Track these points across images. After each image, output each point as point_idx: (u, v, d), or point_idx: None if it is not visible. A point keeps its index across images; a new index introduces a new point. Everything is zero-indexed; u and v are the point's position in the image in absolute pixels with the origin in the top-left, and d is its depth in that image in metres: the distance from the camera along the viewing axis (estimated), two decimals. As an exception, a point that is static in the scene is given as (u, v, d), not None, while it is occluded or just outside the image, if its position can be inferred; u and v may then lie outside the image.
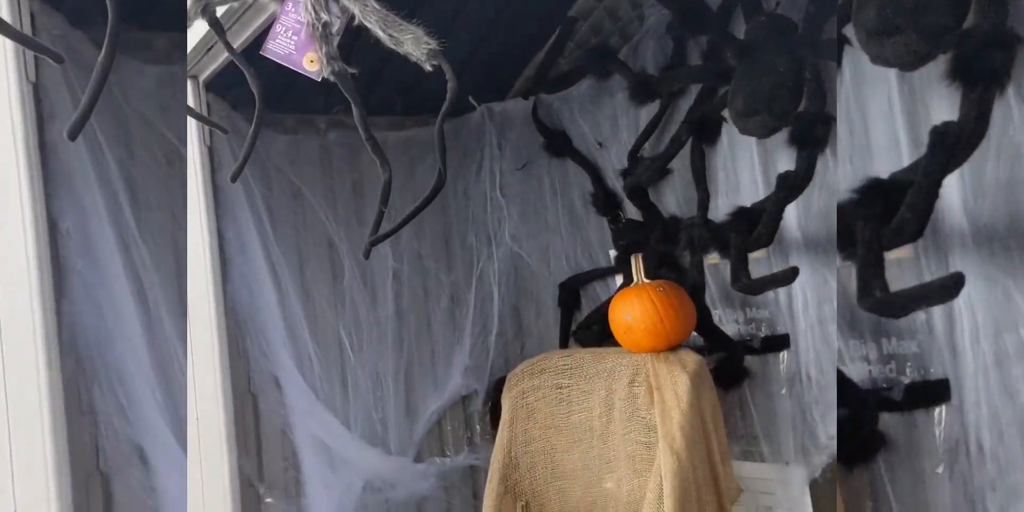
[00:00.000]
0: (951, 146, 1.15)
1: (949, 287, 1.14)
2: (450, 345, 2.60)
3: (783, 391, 2.10)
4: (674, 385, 1.83)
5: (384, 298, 2.45)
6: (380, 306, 2.44)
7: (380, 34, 1.23)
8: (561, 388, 2.04)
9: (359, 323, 2.39)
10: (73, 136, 1.13)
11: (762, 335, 2.13)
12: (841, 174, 1.54)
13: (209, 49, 1.84)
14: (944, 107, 1.33)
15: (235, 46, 1.57)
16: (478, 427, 2.68)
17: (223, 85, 2.14)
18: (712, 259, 2.05)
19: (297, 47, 1.32)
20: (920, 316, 1.47)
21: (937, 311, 1.42)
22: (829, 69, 1.70)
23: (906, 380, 1.51)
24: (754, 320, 2.16)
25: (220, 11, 1.46)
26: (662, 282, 2.00)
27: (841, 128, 1.54)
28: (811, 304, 1.96)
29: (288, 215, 2.32)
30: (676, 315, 1.91)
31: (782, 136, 1.85)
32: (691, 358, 1.90)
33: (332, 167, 2.46)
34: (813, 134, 1.64)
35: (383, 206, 1.39)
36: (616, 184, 2.47)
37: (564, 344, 2.60)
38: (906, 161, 1.42)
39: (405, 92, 2.57)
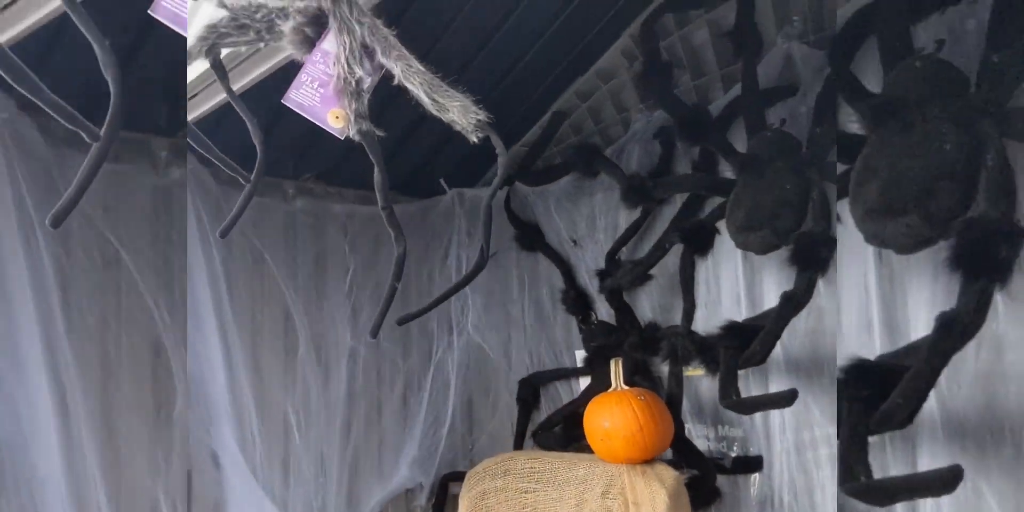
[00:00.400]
0: (959, 335, 1.12)
1: (789, 398, 1.28)
2: (399, 434, 2.47)
3: (753, 515, 2.04)
4: (652, 501, 1.75)
5: (337, 378, 2.32)
6: (332, 386, 2.30)
7: (423, 98, 1.17)
8: (527, 493, 1.94)
9: (308, 403, 2.25)
10: (56, 224, 1.06)
11: (733, 455, 2.08)
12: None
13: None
14: (924, 295, 1.47)
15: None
16: (427, 521, 2.53)
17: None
18: (693, 371, 2.01)
19: (323, 100, 1.24)
20: (745, 412, 1.82)
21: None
22: (832, 192, 1.72)
23: (733, 454, 2.03)
24: (725, 438, 2.12)
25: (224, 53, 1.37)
26: (642, 390, 1.95)
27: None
28: (788, 427, 1.94)
29: (247, 281, 2.19)
30: (656, 427, 1.85)
31: (776, 254, 1.87)
32: (668, 473, 1.83)
33: (296, 236, 2.36)
34: (816, 255, 1.63)
35: (396, 282, 1.31)
36: (589, 284, 2.44)
37: (519, 443, 2.50)
38: (878, 344, 1.51)
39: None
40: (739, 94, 1.95)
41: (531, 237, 2.56)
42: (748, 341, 1.72)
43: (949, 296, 1.31)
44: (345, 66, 1.19)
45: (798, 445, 1.92)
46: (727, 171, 2.04)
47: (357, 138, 1.24)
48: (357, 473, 2.35)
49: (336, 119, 1.23)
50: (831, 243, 1.65)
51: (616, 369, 1.98)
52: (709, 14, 2.16)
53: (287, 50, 1.27)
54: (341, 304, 2.34)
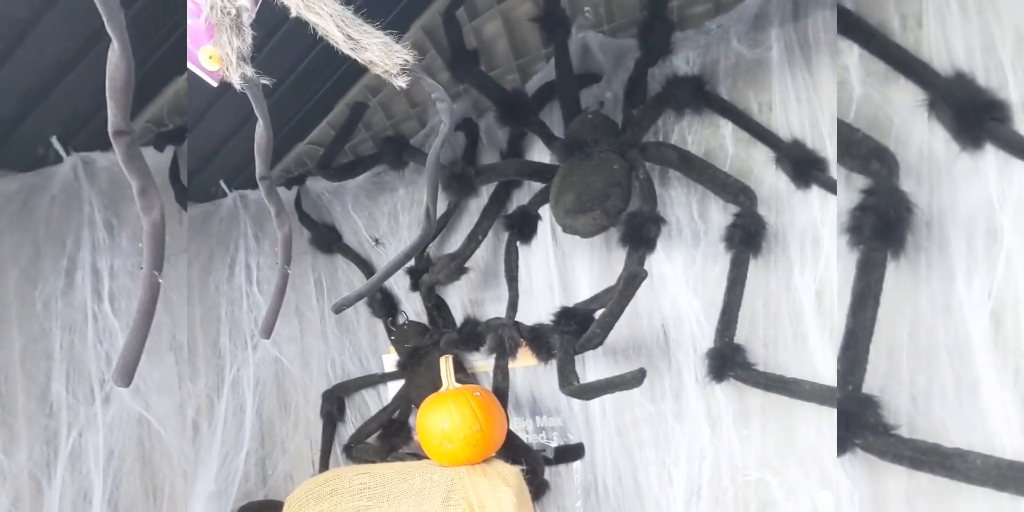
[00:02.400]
0: (634, 285, 1.58)
1: (638, 378, 1.48)
2: (193, 467, 2.18)
3: (578, 504, 2.01)
4: (499, 501, 1.66)
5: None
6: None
7: (335, 34, 0.92)
8: (358, 512, 1.77)
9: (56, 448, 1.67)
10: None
11: (553, 444, 2.05)
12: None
13: None
14: (584, 266, 1.95)
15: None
16: (219, 565, 2.24)
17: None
18: (523, 362, 1.95)
19: (193, 35, 0.99)
20: (563, 400, 2.00)
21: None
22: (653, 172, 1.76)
23: (553, 444, 2.04)
24: (544, 429, 2.08)
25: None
26: (475, 386, 1.86)
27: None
28: (608, 411, 1.93)
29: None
30: (494, 423, 1.76)
31: (583, 242, 1.88)
32: (509, 470, 1.75)
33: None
34: (647, 234, 1.64)
35: (287, 266, 1.11)
36: (395, 284, 2.32)
37: (325, 460, 2.31)
38: (557, 300, 1.96)
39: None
40: (551, 80, 1.94)
41: (328, 238, 2.39)
42: (583, 325, 1.69)
43: (600, 265, 1.91)
44: None
45: (619, 428, 1.92)
46: (536, 158, 2.03)
47: (240, 85, 1.02)
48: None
49: (210, 60, 1.00)
50: (659, 222, 1.67)
51: (447, 367, 1.88)
52: (500, 4, 2.13)
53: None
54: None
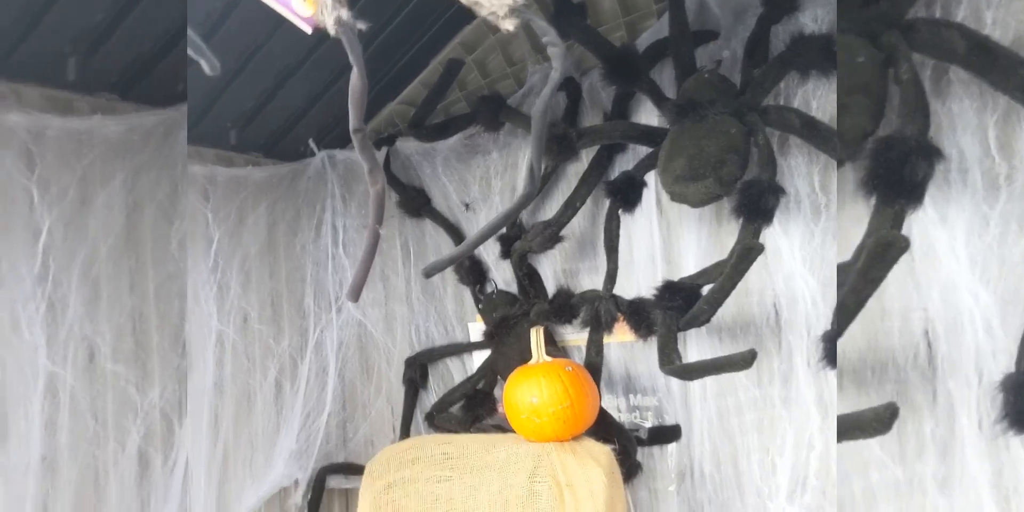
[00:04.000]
0: (751, 261, 1.41)
1: (748, 359, 1.33)
2: (274, 426, 2.16)
3: (671, 488, 1.91)
4: (588, 482, 1.58)
5: (203, 366, 1.96)
6: (196, 377, 1.95)
7: None
8: (440, 482, 1.71)
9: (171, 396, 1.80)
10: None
11: (648, 425, 1.95)
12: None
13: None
14: (692, 238, 1.83)
15: None
16: (298, 524, 2.24)
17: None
18: (620, 337, 1.85)
19: None
20: (660, 379, 1.90)
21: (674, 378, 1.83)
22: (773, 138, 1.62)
23: (647, 424, 1.93)
24: (638, 408, 1.98)
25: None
26: (567, 361, 1.78)
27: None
28: (710, 393, 1.82)
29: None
30: (585, 400, 1.68)
31: (693, 212, 1.76)
32: (601, 449, 1.66)
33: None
34: (765, 205, 1.51)
35: (378, 225, 1.03)
36: (483, 251, 2.23)
37: (406, 428, 2.26)
38: (660, 273, 1.86)
39: (242, 125, 2.20)
40: (663, 36, 1.80)
41: (416, 202, 2.32)
42: (688, 301, 1.58)
43: (708, 238, 1.78)
44: None
45: (720, 411, 1.81)
46: (643, 121, 1.91)
47: (334, 30, 0.94)
48: (227, 475, 2.01)
49: (305, 3, 0.93)
50: (779, 192, 1.54)
51: (538, 339, 1.80)
52: (610, -44, 2.00)
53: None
54: (205, 281, 1.98)
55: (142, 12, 1.63)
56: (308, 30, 0.96)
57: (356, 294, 1.05)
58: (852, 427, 1.09)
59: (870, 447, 1.34)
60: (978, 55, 1.13)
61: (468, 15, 2.17)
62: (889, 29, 1.23)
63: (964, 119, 1.26)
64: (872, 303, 1.10)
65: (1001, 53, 1.11)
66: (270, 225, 2.27)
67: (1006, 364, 1.16)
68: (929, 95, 1.19)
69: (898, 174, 1.13)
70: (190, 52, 1.07)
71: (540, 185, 1.20)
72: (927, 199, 1.14)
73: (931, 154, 1.13)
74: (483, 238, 1.13)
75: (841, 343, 1.21)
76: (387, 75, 2.34)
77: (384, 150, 2.41)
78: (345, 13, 0.94)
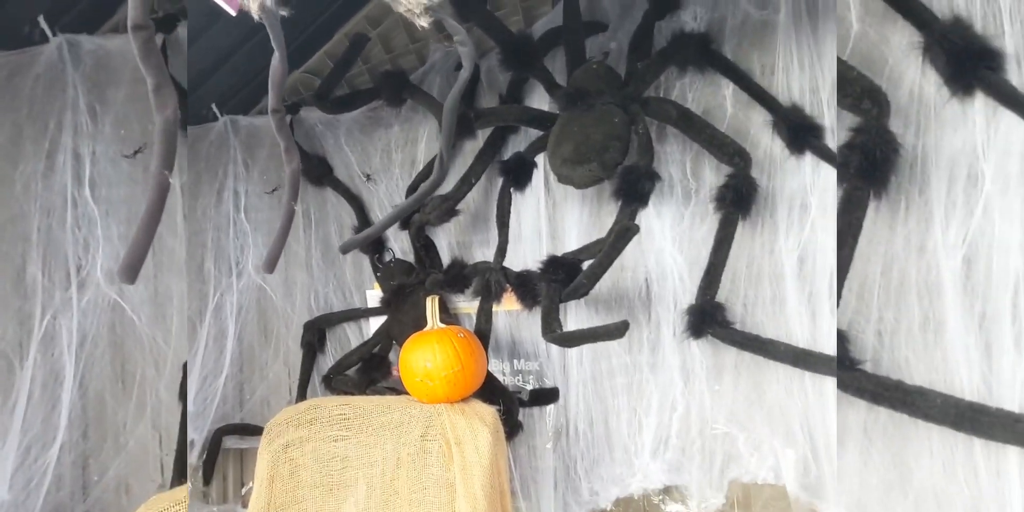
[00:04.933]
0: (624, 239, 1.60)
1: (621, 329, 1.52)
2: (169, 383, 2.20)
3: (548, 445, 2.08)
4: (475, 440, 1.71)
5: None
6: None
7: None
8: (337, 441, 1.82)
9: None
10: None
11: (529, 388, 2.10)
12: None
13: None
14: (574, 217, 1.99)
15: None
16: (189, 485, 2.30)
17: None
18: (507, 306, 1.99)
19: None
20: (541, 345, 2.07)
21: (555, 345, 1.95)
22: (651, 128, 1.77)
23: (529, 387, 2.08)
24: (521, 372, 2.13)
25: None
26: (459, 327, 1.89)
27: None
28: (586, 358, 1.99)
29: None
30: (475, 364, 1.80)
31: (576, 192, 1.90)
32: (487, 410, 1.80)
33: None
34: (641, 188, 1.66)
35: (293, 202, 1.11)
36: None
37: (303, 389, 2.36)
38: (545, 248, 2.01)
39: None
40: (556, 26, 1.92)
41: (318, 170, 2.39)
42: (570, 275, 1.72)
43: (590, 217, 1.95)
44: None
45: (595, 375, 1.97)
46: (535, 105, 2.03)
47: (257, 15, 1.00)
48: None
49: None
50: (654, 177, 1.69)
51: (433, 306, 1.91)
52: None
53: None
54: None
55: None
56: (233, 12, 1.02)
57: (272, 265, 1.13)
58: (602, 334, 1.58)
59: (612, 343, 1.88)
60: (683, 119, 1.72)
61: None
62: (633, 102, 1.74)
63: (673, 156, 1.82)
64: (616, 262, 1.61)
65: (696, 118, 1.72)
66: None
67: (690, 299, 1.73)
68: (654, 141, 1.74)
69: (634, 188, 1.66)
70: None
71: (447, 171, 1.31)
72: (651, 203, 1.70)
73: (653, 177, 1.68)
74: (395, 219, 1.23)
75: (598, 286, 1.65)
76: (292, 44, 2.38)
77: (288, 118, 2.46)
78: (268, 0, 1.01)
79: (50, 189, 1.69)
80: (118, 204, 1.78)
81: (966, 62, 1.24)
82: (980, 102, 1.25)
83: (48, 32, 1.70)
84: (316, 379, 2.36)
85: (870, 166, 1.30)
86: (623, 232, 1.58)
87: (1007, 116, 1.23)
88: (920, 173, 1.32)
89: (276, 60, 1.05)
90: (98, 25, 1.79)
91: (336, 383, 2.20)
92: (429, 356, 1.78)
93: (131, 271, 0.83)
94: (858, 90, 1.33)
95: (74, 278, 1.70)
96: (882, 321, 1.32)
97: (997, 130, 1.25)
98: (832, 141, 1.59)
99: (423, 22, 0.99)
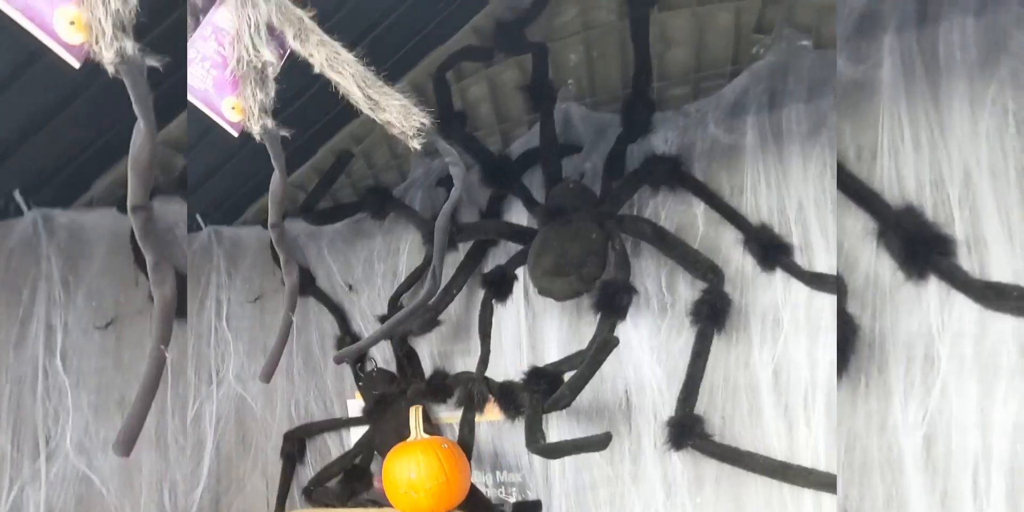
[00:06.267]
0: (605, 350, 1.66)
1: (605, 441, 1.56)
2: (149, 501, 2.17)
3: (532, 560, 2.06)
4: (459, 555, 1.71)
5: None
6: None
7: (355, 93, 0.99)
8: (318, 558, 1.80)
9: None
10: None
11: (512, 501, 2.10)
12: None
13: None
14: (553, 328, 2.04)
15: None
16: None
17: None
18: (488, 417, 2.01)
19: (216, 85, 1.02)
20: (524, 457, 2.06)
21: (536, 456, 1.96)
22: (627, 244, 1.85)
23: (512, 500, 2.07)
24: (504, 484, 2.13)
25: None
26: (443, 438, 1.91)
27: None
28: (568, 469, 2.00)
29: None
30: (459, 475, 1.82)
31: (555, 305, 1.97)
32: (471, 524, 1.80)
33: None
34: (619, 302, 1.73)
35: (291, 313, 1.15)
36: (364, 330, 2.37)
37: (282, 502, 2.33)
38: (526, 359, 2.04)
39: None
40: (533, 146, 2.03)
41: (302, 280, 2.42)
42: (552, 386, 1.76)
43: (568, 328, 2.00)
44: (249, 46, 0.99)
45: (577, 487, 1.98)
46: (513, 219, 2.11)
47: (259, 137, 1.06)
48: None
49: (233, 110, 1.04)
50: (631, 291, 1.76)
51: (416, 417, 1.93)
52: (487, 69, 2.22)
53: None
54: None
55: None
56: (235, 134, 1.08)
57: (269, 375, 1.15)
58: (586, 445, 1.61)
59: (594, 454, 1.87)
60: (657, 237, 1.79)
61: (357, 109, 2.38)
62: (609, 219, 1.83)
63: (648, 271, 1.88)
64: (597, 375, 1.66)
65: (669, 235, 1.80)
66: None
67: (670, 411, 1.76)
68: (630, 256, 1.81)
69: (612, 301, 1.73)
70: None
71: (439, 286, 1.37)
72: (628, 316, 1.76)
73: (630, 291, 1.75)
74: (390, 330, 1.27)
75: (578, 397, 1.68)
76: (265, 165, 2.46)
77: (277, 230, 2.52)
78: (270, 122, 1.07)
79: (21, 359, 1.69)
80: (89, 375, 1.79)
81: (919, 248, 1.35)
82: (934, 286, 1.36)
83: (23, 206, 1.74)
84: (296, 491, 2.33)
85: (714, 313, 1.68)
86: (604, 345, 1.64)
87: (960, 299, 1.34)
88: (879, 353, 1.41)
89: (276, 178, 1.12)
90: (72, 199, 1.85)
91: (317, 495, 2.18)
92: (413, 467, 1.79)
93: (126, 446, 0.82)
94: (705, 267, 1.72)
95: (43, 449, 1.69)
96: (848, 499, 1.39)
97: (951, 313, 1.35)
98: (801, 259, 1.68)
99: (415, 144, 1.06)
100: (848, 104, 1.53)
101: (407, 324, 2.05)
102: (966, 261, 1.31)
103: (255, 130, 1.09)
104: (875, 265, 1.40)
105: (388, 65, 2.15)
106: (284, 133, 1.11)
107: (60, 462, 1.70)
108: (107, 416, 1.77)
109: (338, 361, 1.20)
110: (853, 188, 1.48)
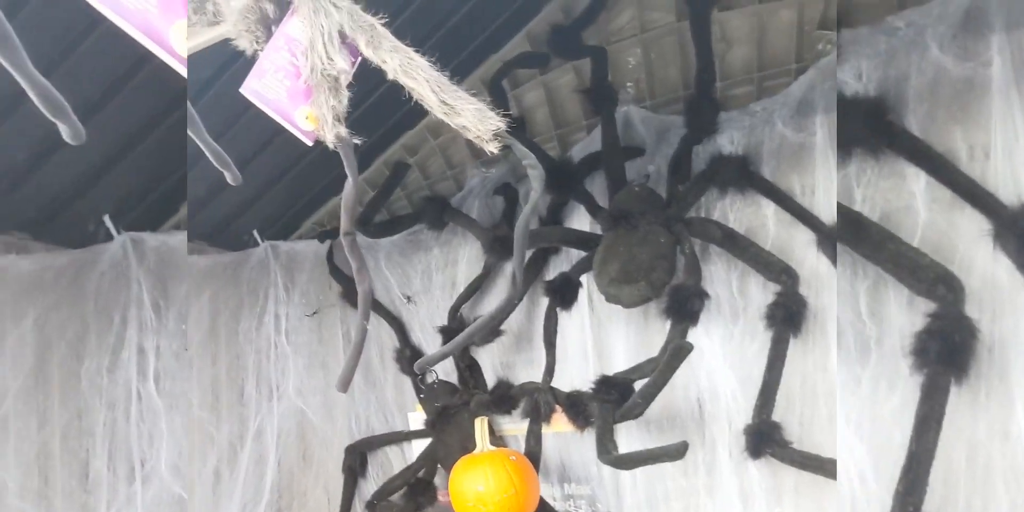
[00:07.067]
0: (679, 357, 1.58)
1: (681, 450, 1.49)
2: (212, 515, 2.16)
3: (607, 575, 2.01)
4: (531, 568, 1.66)
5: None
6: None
7: (430, 98, 0.96)
8: (387, 572, 1.77)
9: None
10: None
11: (581, 513, 2.06)
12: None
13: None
14: (620, 335, 1.98)
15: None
16: None
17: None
18: (557, 428, 1.97)
19: (290, 94, 1.02)
20: (593, 468, 2.01)
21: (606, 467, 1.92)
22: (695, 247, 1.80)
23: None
24: (572, 497, 2.09)
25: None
26: (511, 451, 1.87)
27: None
28: (639, 482, 1.94)
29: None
30: (528, 488, 1.77)
31: (623, 311, 1.92)
32: (542, 538, 1.75)
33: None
34: (691, 307, 1.68)
35: (366, 321, 1.14)
36: (424, 342, 2.34)
37: (344, 517, 2.30)
38: (591, 368, 1.99)
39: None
40: (594, 150, 1.99)
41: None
42: (623, 395, 1.72)
43: (636, 336, 1.94)
44: (323, 55, 0.98)
45: (649, 500, 1.93)
46: (574, 226, 2.08)
47: (333, 145, 1.05)
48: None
49: (307, 120, 1.03)
50: (703, 296, 1.71)
51: (483, 429, 1.90)
52: (543, 76, 2.20)
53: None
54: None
55: (59, 155, 1.58)
56: (309, 143, 1.08)
57: (346, 385, 1.15)
58: (661, 455, 1.55)
59: (667, 465, 1.82)
60: (728, 239, 1.73)
61: (413, 120, 2.37)
62: (677, 222, 1.77)
63: (719, 275, 1.81)
64: (668, 383, 1.59)
65: (740, 237, 1.74)
66: (213, 313, 2.32)
67: (745, 418, 1.69)
68: (701, 261, 1.75)
69: (684, 307, 1.67)
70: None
71: (523, 290, 1.35)
72: (699, 322, 1.70)
73: (702, 295, 1.69)
74: (472, 336, 1.25)
75: (650, 409, 1.61)
76: (333, 173, 2.47)
77: (328, 243, 2.52)
78: (343, 130, 1.06)
79: (115, 383, 1.73)
80: (180, 397, 1.82)
81: None
82: None
83: (113, 230, 1.79)
84: (358, 506, 2.31)
85: (950, 352, 1.29)
86: (677, 351, 1.59)
87: None
88: (999, 358, 1.32)
89: (349, 185, 1.11)
90: (161, 223, 1.89)
91: (380, 509, 2.15)
92: (481, 480, 1.75)
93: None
94: (932, 276, 1.34)
95: (138, 472, 1.72)
96: (971, 508, 1.32)
97: None
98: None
99: (492, 148, 1.03)
100: (958, 104, 1.38)
101: (486, 331, 2.03)
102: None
103: (329, 138, 1.08)
104: (992, 267, 1.32)
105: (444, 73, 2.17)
106: (357, 140, 1.09)
107: (286, 402, 1.98)
108: (312, 373, 2.01)
109: (420, 369, 1.18)
110: (966, 188, 1.33)
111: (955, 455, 1.29)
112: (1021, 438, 1.26)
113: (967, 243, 1.36)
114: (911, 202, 1.45)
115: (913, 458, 1.27)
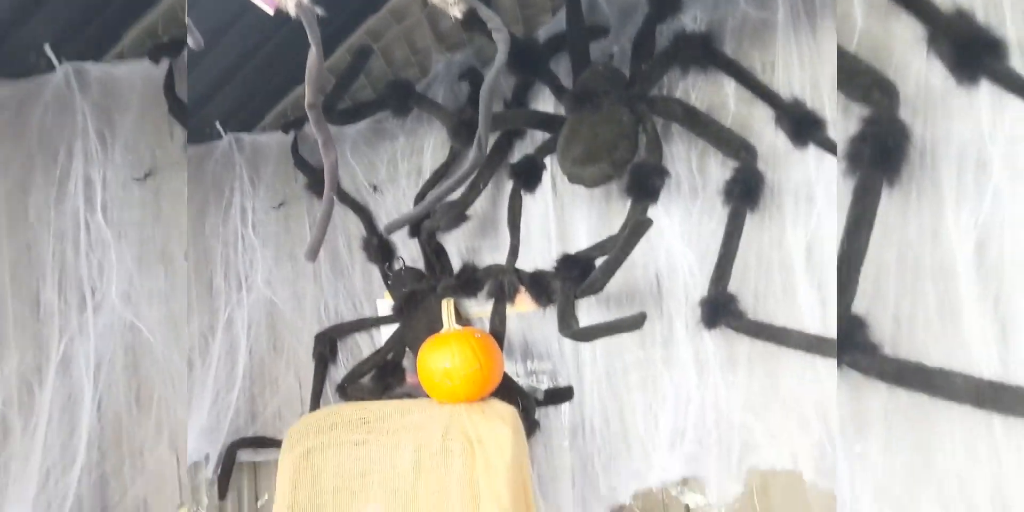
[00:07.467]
0: (638, 233, 1.66)
1: (639, 320, 1.59)
2: (187, 402, 2.22)
3: (564, 443, 2.10)
4: (496, 437, 1.73)
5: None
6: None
7: None
8: (358, 445, 1.83)
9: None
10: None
11: (544, 387, 2.12)
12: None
13: None
14: (581, 215, 2.02)
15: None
16: (205, 500, 2.31)
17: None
18: (520, 308, 2.02)
19: None
20: (554, 345, 2.08)
21: (567, 341, 2.03)
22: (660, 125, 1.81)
23: (543, 387, 2.09)
24: (535, 372, 2.15)
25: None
26: (476, 329, 1.92)
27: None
28: (599, 356, 2.01)
29: None
30: (492, 363, 1.83)
31: (585, 192, 1.95)
32: (506, 409, 1.82)
33: None
34: (652, 185, 1.70)
35: (332, 192, 1.15)
36: (389, 230, 2.35)
37: (316, 400, 2.36)
38: (554, 248, 2.03)
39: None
40: (559, 31, 1.97)
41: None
42: (584, 272, 1.75)
43: (598, 216, 1.97)
44: None
45: (608, 372, 1.99)
46: (540, 109, 2.07)
47: (295, 13, 1.04)
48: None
49: None
50: (664, 173, 1.73)
51: (449, 309, 1.94)
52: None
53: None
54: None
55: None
56: (270, 12, 1.06)
57: (314, 254, 1.17)
58: (620, 326, 1.66)
59: (625, 339, 1.89)
60: (689, 117, 1.74)
61: (375, 5, 2.31)
62: (640, 101, 1.78)
63: (679, 154, 1.83)
64: (627, 260, 1.66)
65: (701, 115, 1.74)
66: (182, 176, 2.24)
67: (700, 293, 1.73)
68: (661, 139, 1.78)
69: (645, 184, 1.70)
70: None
71: (485, 154, 1.36)
72: (660, 199, 1.74)
73: (663, 173, 1.72)
74: (437, 200, 1.27)
75: (608, 284, 1.68)
76: (294, 60, 2.41)
77: (292, 133, 2.49)
78: None
79: (63, 214, 1.72)
80: (130, 227, 1.82)
81: (970, 52, 1.28)
82: (985, 90, 1.29)
83: (54, 60, 1.73)
84: (329, 390, 2.37)
85: (883, 155, 1.32)
86: (637, 226, 1.62)
87: (1013, 103, 1.27)
88: (930, 161, 1.35)
89: (312, 56, 1.10)
90: (104, 52, 1.83)
91: (351, 391, 2.21)
92: (448, 356, 1.80)
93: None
94: (867, 82, 1.36)
95: (89, 301, 1.73)
96: (899, 307, 1.34)
97: (1003, 116, 1.28)
98: (834, 134, 1.63)
99: (455, 12, 1.03)
100: (756, 36, 1.68)
101: (426, 218, 2.04)
102: (1019, 64, 1.25)
103: (290, 6, 1.06)
104: (926, 72, 1.34)
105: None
106: (319, 10, 1.08)
107: (107, 313, 1.75)
108: (149, 268, 1.82)
109: (388, 230, 1.23)
110: (761, 91, 1.62)
111: (886, 255, 1.33)
112: (949, 238, 1.29)
113: (903, 49, 1.37)
114: (725, 100, 1.79)
115: (843, 258, 1.34)
